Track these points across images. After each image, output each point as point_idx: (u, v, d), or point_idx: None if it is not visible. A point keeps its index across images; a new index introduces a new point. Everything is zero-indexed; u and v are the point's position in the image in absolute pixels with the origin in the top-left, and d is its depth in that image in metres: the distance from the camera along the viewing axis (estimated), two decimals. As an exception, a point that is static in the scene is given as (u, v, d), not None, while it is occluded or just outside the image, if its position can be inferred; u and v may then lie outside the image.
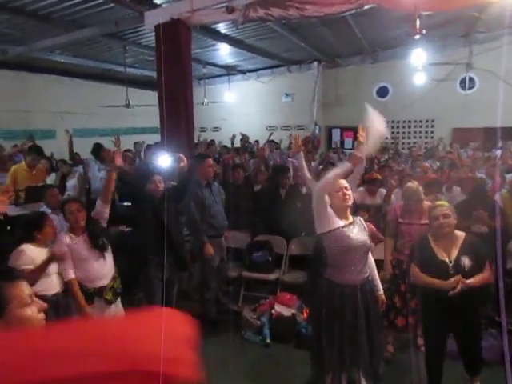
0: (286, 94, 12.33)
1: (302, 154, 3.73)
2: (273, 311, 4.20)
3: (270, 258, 4.82)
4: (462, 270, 2.81)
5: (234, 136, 8.94)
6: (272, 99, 12.41)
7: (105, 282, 3.32)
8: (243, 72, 12.43)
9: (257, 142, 9.76)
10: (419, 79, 10.15)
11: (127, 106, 8.86)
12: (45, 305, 1.34)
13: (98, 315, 3.31)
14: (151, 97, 10.59)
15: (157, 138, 7.71)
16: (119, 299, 3.49)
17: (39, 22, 6.60)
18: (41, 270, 2.98)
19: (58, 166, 6.60)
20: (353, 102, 10.61)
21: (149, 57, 9.26)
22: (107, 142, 6.25)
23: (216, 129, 13.45)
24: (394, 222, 3.76)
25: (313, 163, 6.42)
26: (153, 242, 3.68)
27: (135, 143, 8.55)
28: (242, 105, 12.66)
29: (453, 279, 2.77)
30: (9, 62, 8.89)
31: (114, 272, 3.42)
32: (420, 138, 11.20)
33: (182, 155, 3.79)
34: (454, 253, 2.88)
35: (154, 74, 10.59)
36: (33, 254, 3.01)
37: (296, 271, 4.84)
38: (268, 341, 4.05)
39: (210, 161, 4.54)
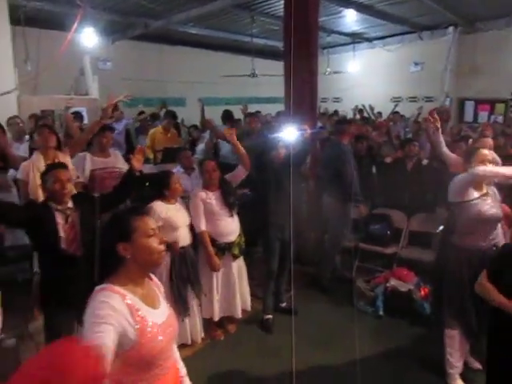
0: (415, 63, 11.54)
1: (439, 130, 3.60)
2: (388, 285, 4.15)
3: (388, 232, 4.73)
4: None
5: (356, 107, 8.72)
6: (399, 69, 11.72)
7: (232, 237, 3.62)
8: (369, 40, 11.91)
9: (380, 113, 9.39)
10: None
11: (252, 75, 9.13)
12: (165, 238, 1.58)
13: (226, 267, 3.65)
14: (275, 66, 10.82)
15: (280, 107, 7.89)
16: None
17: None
18: None
19: (189, 131, 7.15)
20: (492, 71, 9.58)
21: (275, 26, 9.37)
22: (234, 110, 6.60)
23: (337, 99, 13.21)
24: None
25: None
26: (273, 204, 3.86)
27: (258, 112, 8.82)
28: (365, 75, 12.19)
29: None
30: (149, 34, 9.72)
31: (239, 230, 3.71)
32: None
33: (306, 127, 3.86)
34: None
35: (279, 44, 10.83)
36: (160, 209, 3.28)
37: (415, 247, 4.68)
38: (381, 313, 4.04)
39: (353, 127, 4.61)
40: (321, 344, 3.56)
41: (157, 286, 1.67)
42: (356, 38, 11.76)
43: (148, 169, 4.81)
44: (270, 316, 3.97)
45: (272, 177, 3.86)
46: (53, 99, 6.89)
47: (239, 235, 3.70)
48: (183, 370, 1.77)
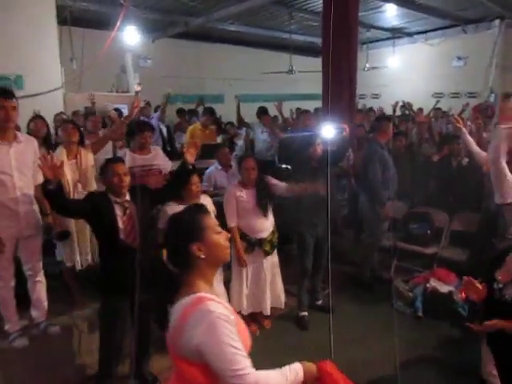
0: (458, 58, 11.16)
1: (464, 129, 3.54)
2: (428, 285, 4.05)
3: (428, 231, 4.61)
4: None
5: (396, 103, 8.52)
6: (441, 63, 11.36)
7: (265, 234, 3.63)
8: (410, 34, 11.62)
9: (421, 109, 9.14)
10: None
11: (290, 72, 9.10)
12: (228, 235, 1.57)
13: (256, 263, 3.67)
14: (313, 63, 10.74)
15: (317, 104, 7.83)
16: (275, 251, 3.79)
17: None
18: None
19: (226, 128, 7.22)
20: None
21: (314, 22, 9.30)
22: (270, 107, 6.61)
23: (376, 96, 12.95)
24: None
25: (485, 134, 5.81)
26: (307, 201, 3.84)
27: (297, 109, 8.78)
28: (405, 70, 11.88)
29: None
30: (188, 32, 9.87)
31: (273, 226, 3.72)
32: None
33: (345, 125, 3.82)
34: None
35: (316, 40, 10.74)
36: (172, 211, 3.14)
37: (457, 248, 4.55)
38: (420, 314, 3.95)
39: (390, 125, 4.52)
40: (357, 343, 3.52)
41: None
42: (396, 33, 11.49)
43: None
44: (306, 313, 3.96)
45: (308, 174, 3.84)
46: (95, 96, 7.10)
47: (272, 232, 3.70)
48: None
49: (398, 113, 8.62)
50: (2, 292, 2.97)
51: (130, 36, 7.80)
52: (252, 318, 3.79)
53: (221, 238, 1.50)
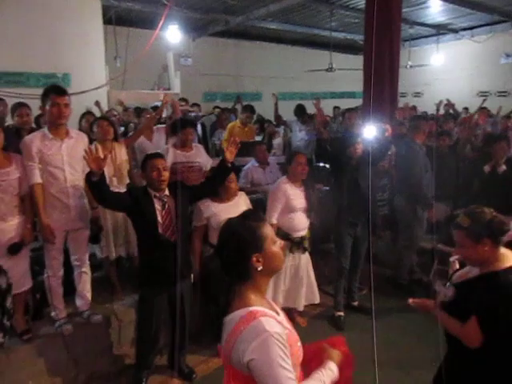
0: (507, 55, 10.72)
1: None
2: (469, 290, 3.93)
3: (471, 234, 4.45)
4: None
5: (440, 102, 8.26)
6: (487, 61, 10.97)
7: (305, 232, 3.66)
8: (455, 31, 11.24)
9: (466, 109, 8.84)
10: None
11: (330, 70, 9.01)
12: (283, 242, 1.50)
13: (295, 261, 3.68)
14: (352, 60, 10.61)
15: (355, 102, 7.73)
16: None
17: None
18: None
19: (264, 125, 7.24)
20: None
21: (355, 19, 9.17)
22: (307, 105, 6.57)
23: (418, 94, 12.63)
24: None
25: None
26: (347, 201, 3.81)
27: (334, 107, 8.70)
28: (449, 68, 11.53)
29: None
30: (227, 31, 9.96)
31: (308, 223, 3.72)
32: None
33: (387, 125, 3.76)
34: None
35: (357, 37, 10.59)
36: (205, 208, 3.31)
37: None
38: (461, 319, 3.83)
39: (427, 124, 4.41)
40: (395, 346, 3.47)
41: None
42: (440, 30, 11.15)
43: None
44: (342, 313, 3.94)
45: (348, 173, 3.81)
46: (138, 94, 7.30)
47: (309, 228, 3.73)
48: None
49: (442, 112, 8.37)
50: (51, 281, 3.10)
51: (172, 35, 7.96)
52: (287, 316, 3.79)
53: (277, 247, 1.44)
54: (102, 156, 2.66)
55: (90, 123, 3.96)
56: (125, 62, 7.07)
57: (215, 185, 3.22)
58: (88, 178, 2.64)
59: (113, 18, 7.71)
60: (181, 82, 8.42)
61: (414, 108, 9.09)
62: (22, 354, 3.02)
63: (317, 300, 3.85)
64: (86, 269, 3.31)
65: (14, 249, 2.89)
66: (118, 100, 6.58)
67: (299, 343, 1.43)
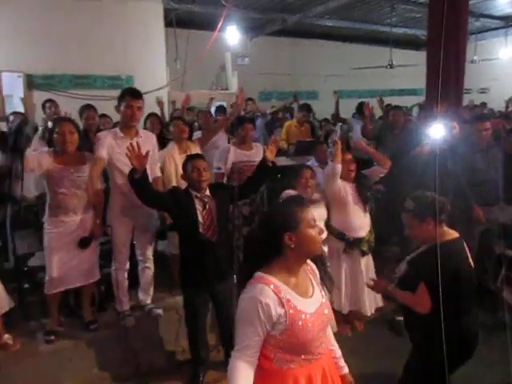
0: None
1: None
2: (541, 299, 3.69)
3: (543, 240, 4.17)
4: None
5: (510, 99, 7.78)
6: None
7: (363, 233, 3.56)
8: (525, 23, 10.55)
9: (536, 105, 8.26)
10: None
11: (390, 66, 8.75)
12: (323, 228, 1.59)
13: (353, 263, 3.61)
14: (411, 56, 10.23)
15: (415, 99, 7.45)
16: (370, 254, 3.71)
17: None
18: None
19: (321, 124, 7.16)
20: None
21: (417, 14, 8.85)
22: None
23: (483, 90, 11.97)
24: None
25: None
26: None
27: (387, 105, 8.41)
28: (519, 62, 10.84)
29: None
30: (284, 29, 9.94)
31: (370, 226, 3.63)
32: None
33: (455, 123, 3.59)
34: None
35: (418, 32, 10.19)
36: None
37: None
38: (531, 330, 3.60)
39: (488, 123, 4.14)
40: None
41: (313, 272, 1.70)
42: (510, 22, 10.50)
43: (283, 161, 4.93)
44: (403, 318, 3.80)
45: (412, 174, 3.67)
46: (197, 94, 7.45)
47: (369, 231, 3.62)
48: (338, 352, 1.81)
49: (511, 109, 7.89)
50: (117, 274, 3.25)
51: (231, 35, 8.05)
52: (345, 319, 3.73)
53: (314, 231, 1.56)
54: (143, 153, 2.68)
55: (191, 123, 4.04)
56: (184, 64, 7.26)
57: (256, 184, 3.21)
58: (130, 175, 2.68)
59: (173, 20, 7.92)
60: (238, 82, 8.52)
61: (484, 105, 8.65)
62: (87, 344, 3.16)
63: (379, 304, 3.75)
64: (150, 264, 3.42)
65: (84, 243, 3.05)
66: (171, 100, 6.72)
67: (309, 328, 1.51)
